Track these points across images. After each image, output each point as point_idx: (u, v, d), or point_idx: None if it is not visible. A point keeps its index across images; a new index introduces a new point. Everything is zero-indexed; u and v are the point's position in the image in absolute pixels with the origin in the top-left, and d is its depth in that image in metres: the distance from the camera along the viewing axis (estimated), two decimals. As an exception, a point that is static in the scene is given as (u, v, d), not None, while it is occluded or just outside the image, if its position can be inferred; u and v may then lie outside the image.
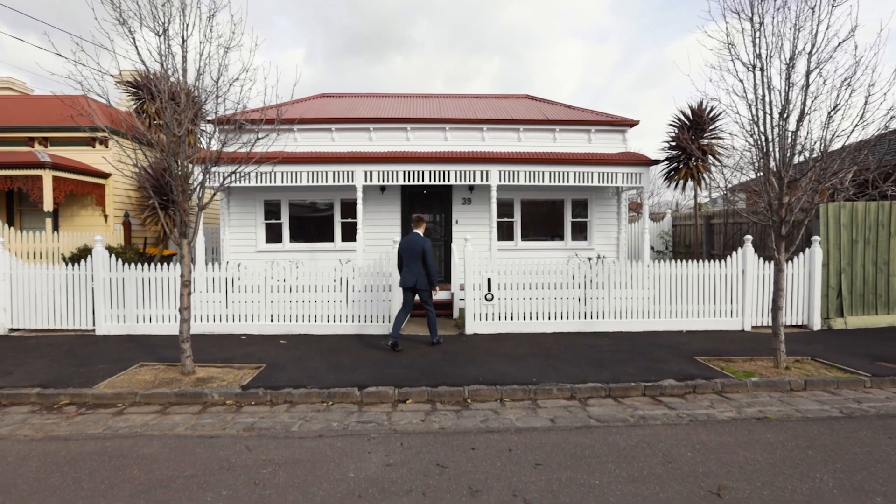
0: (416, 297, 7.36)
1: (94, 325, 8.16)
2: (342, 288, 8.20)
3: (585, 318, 8.32)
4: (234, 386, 5.50)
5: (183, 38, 5.51)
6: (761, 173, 6.29)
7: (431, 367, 6.23)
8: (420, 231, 7.30)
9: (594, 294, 8.33)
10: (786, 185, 6.02)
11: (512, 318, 8.23)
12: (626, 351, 7.03)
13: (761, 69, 6.13)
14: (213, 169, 5.80)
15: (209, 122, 6.65)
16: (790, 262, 8.51)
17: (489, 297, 8.10)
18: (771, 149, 6.11)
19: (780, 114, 6.01)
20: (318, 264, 8.57)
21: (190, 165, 5.78)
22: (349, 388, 5.40)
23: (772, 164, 6.16)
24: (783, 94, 5.98)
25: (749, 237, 8.36)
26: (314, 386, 5.48)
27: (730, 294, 8.43)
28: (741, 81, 6.27)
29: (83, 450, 3.95)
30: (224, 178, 5.96)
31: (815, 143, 5.97)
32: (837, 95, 5.70)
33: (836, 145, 5.87)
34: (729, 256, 8.44)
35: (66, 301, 8.23)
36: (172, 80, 5.56)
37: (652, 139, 67.20)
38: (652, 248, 13.78)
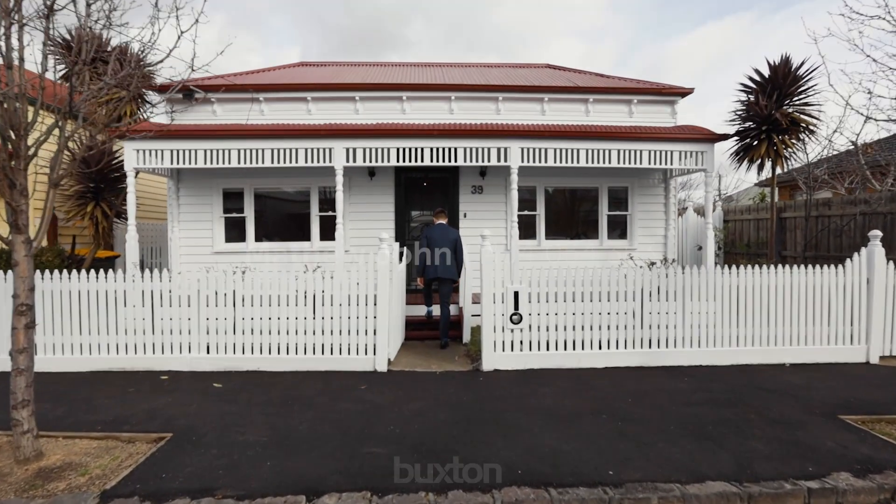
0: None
1: (-40, 357, 5.80)
2: (308, 303, 5.85)
3: (650, 346, 5.95)
4: (91, 491, 3.14)
5: None
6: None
7: (435, 437, 3.88)
8: (444, 222, 7.08)
9: (662, 309, 5.96)
10: None
11: (547, 348, 5.86)
12: (726, 403, 4.67)
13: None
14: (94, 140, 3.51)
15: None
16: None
17: (516, 318, 5.74)
18: None
19: None
20: (276, 270, 6.21)
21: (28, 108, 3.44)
22: (291, 496, 3.05)
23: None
24: None
25: (877, 233, 6.00)
26: (231, 489, 3.13)
27: (848, 312, 6.07)
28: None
29: None
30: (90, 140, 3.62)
31: None
32: None
33: None
34: (849, 260, 6.08)
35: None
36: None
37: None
38: (699, 247, 11.41)
